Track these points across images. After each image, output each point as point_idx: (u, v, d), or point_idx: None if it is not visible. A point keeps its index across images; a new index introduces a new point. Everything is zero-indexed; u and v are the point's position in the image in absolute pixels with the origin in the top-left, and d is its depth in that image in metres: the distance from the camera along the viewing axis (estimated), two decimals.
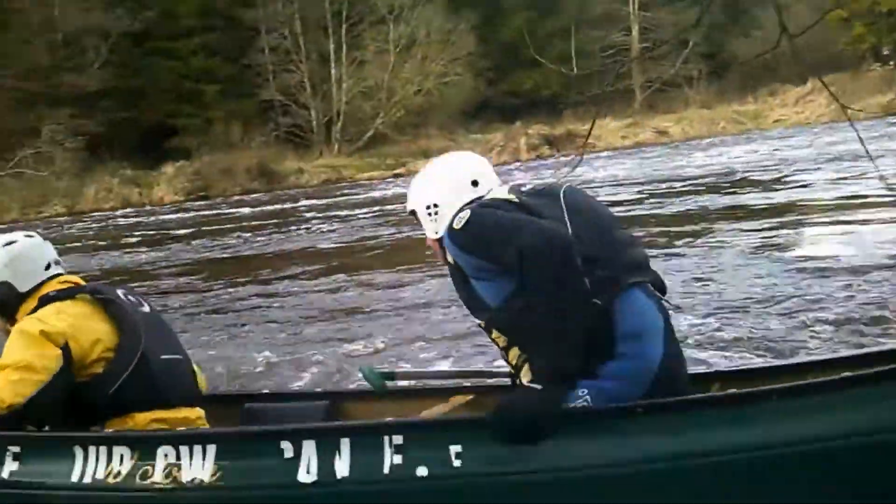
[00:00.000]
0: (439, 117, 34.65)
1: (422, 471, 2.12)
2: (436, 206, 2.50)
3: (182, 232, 16.64)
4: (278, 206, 20.75)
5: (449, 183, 2.51)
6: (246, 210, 20.69)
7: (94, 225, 21.44)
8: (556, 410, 2.10)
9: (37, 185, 28.49)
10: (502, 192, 2.43)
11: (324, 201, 21.35)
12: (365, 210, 17.29)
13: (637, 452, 2.03)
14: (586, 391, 2.21)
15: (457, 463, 2.10)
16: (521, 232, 2.16)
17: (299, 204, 21.08)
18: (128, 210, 25.21)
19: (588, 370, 2.21)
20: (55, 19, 34.38)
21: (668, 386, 2.23)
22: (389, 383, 3.00)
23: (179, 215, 21.13)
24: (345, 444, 2.20)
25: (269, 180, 28.16)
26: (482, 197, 2.42)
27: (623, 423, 2.07)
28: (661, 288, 2.44)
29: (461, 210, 2.36)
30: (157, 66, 35.65)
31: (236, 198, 25.59)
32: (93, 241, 17.03)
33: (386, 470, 2.14)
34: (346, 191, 24.12)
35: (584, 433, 2.09)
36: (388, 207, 16.87)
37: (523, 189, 2.45)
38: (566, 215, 2.32)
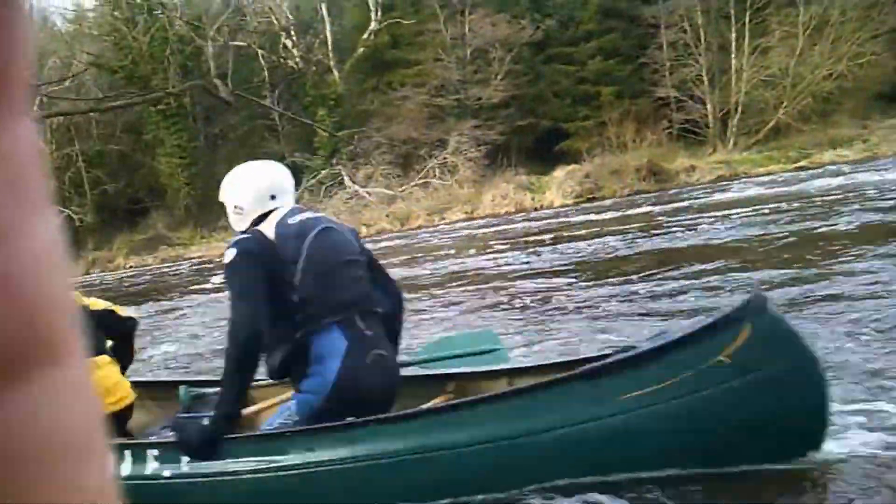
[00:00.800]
0: (851, 103, 31.01)
1: (167, 472, 3.16)
2: (241, 208, 3.25)
3: (547, 237, 16.55)
4: (665, 206, 19.88)
5: (254, 192, 3.23)
6: (632, 211, 20.13)
7: (470, 232, 22.36)
8: (212, 441, 3.07)
9: (441, 194, 30.57)
10: (275, 220, 3.16)
11: (714, 199, 20.13)
12: (758, 207, 15.84)
13: (292, 460, 3.08)
14: (294, 403, 3.21)
15: (185, 468, 3.13)
16: (234, 307, 2.95)
17: (686, 203, 20.05)
18: (520, 215, 25.91)
19: (298, 386, 3.17)
20: (465, 36, 36.64)
21: (348, 394, 3.09)
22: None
23: (560, 219, 21.25)
24: (128, 453, 3.26)
25: (658, 179, 27.21)
26: (275, 210, 3.22)
27: (281, 441, 3.13)
28: (393, 314, 3.38)
29: (240, 236, 3.13)
30: (555, 72, 36.54)
31: (624, 199, 25.06)
32: (449, 248, 17.71)
33: (148, 471, 3.19)
34: (739, 187, 22.55)
35: (262, 447, 3.13)
36: (785, 205, 15.31)
37: (290, 221, 3.14)
38: (303, 257, 3.07)
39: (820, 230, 11.26)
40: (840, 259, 8.25)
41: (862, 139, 27.87)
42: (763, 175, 25.94)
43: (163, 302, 14.95)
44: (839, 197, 15.52)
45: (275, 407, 3.47)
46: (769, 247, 10.48)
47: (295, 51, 38.16)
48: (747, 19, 33.37)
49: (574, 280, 9.94)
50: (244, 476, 3.08)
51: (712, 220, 15.06)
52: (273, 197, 3.22)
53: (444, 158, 32.53)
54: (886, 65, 31.05)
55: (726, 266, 9.20)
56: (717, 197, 20.60)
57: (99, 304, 4.04)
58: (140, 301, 15.31)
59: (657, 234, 14.02)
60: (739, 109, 32.88)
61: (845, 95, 31.24)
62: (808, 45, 32.23)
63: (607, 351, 3.75)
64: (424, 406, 3.20)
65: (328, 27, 37.89)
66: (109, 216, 36.56)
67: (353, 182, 32.20)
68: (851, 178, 19.39)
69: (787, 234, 11.42)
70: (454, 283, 11.41)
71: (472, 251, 16.33)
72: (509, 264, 12.85)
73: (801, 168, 25.83)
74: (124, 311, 4.19)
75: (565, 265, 11.60)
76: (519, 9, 37.02)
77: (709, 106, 33.79)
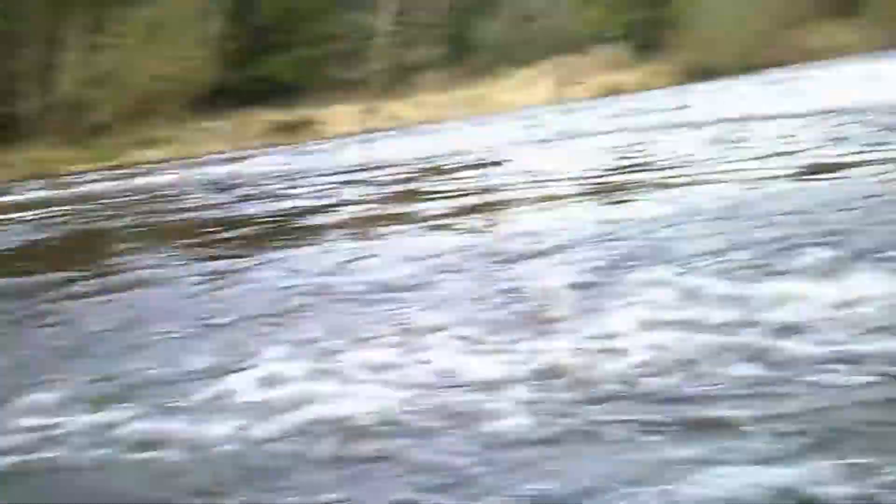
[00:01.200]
0: (172, 104, 32.40)
1: None
2: None
3: None
4: None
5: None
6: None
7: None
8: None
9: None
10: None
11: (20, 197, 19.23)
12: (55, 208, 15.43)
13: None
14: None
15: None
16: None
17: None
18: None
19: None
20: None
21: None
22: None
23: None
24: None
25: None
26: None
27: None
28: None
29: None
30: None
31: None
32: None
33: None
34: (44, 187, 21.86)
35: None
36: (72, 206, 15.14)
37: None
38: None
39: (109, 229, 11.42)
40: (120, 257, 8.44)
41: (177, 140, 29.45)
42: (75, 174, 25.51)
43: None
44: (143, 197, 15.83)
45: None
46: (54, 249, 10.36)
47: None
48: (80, 15, 32.69)
49: None
50: None
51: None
52: None
53: None
54: (211, 70, 32.91)
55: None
56: (7, 199, 19.48)
57: None
58: None
59: None
60: (64, 106, 32.00)
61: (167, 97, 32.46)
62: (142, 45, 32.67)
63: None
64: None
65: None
66: None
67: None
68: (151, 179, 20.08)
69: (76, 234, 11.38)
70: None
71: None
72: None
73: (116, 167, 26.03)
74: None
75: None
76: None
77: (31, 101, 32.26)
